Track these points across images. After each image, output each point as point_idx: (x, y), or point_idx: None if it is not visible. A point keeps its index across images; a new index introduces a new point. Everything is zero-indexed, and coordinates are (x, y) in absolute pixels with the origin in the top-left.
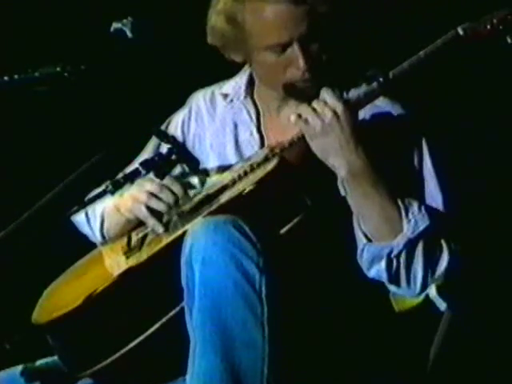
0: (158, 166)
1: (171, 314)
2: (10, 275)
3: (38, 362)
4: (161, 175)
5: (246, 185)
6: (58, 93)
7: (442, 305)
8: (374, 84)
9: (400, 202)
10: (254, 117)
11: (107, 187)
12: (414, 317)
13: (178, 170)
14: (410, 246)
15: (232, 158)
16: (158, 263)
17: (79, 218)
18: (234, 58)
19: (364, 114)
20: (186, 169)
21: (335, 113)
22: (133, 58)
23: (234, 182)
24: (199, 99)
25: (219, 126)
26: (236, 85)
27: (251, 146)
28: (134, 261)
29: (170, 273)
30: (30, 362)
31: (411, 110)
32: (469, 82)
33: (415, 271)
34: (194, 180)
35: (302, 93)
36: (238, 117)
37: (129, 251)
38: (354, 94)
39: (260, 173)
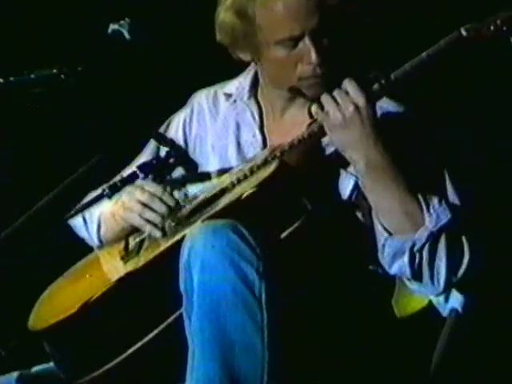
0: (156, 170)
1: (170, 319)
2: (6, 279)
3: (34, 369)
4: (159, 178)
5: (245, 188)
6: (54, 95)
7: (444, 310)
8: (376, 86)
9: (420, 196)
10: (257, 118)
11: (104, 191)
12: (415, 322)
13: (176, 173)
14: (433, 239)
15: (233, 159)
16: (156, 268)
17: (76, 222)
18: (241, 56)
19: None
20: (185, 172)
21: (357, 106)
22: (130, 60)
23: (233, 185)
24: (201, 99)
25: (221, 127)
26: (240, 85)
27: (253, 148)
28: (131, 266)
29: (168, 278)
30: (25, 369)
31: (418, 112)
32: (471, 83)
33: (438, 267)
34: (192, 183)
35: (310, 91)
36: (240, 117)
37: (126, 256)
38: None
39: (259, 176)
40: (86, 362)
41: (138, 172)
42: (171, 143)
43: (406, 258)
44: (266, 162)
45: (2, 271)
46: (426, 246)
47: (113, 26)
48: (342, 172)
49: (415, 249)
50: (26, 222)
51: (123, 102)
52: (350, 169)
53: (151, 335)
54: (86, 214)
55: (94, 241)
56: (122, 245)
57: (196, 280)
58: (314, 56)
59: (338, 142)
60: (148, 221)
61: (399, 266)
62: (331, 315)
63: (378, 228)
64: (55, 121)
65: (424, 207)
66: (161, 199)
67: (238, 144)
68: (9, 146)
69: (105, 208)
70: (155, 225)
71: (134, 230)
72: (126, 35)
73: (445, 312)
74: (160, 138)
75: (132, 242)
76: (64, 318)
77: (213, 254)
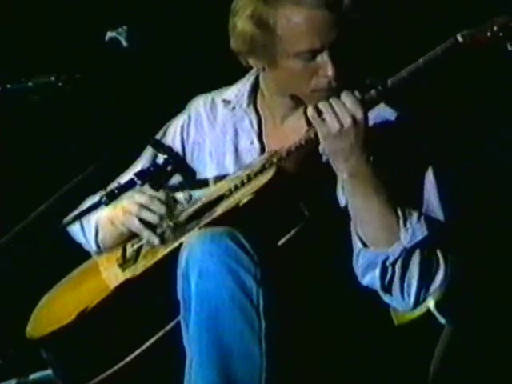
0: (154, 177)
1: (168, 327)
2: (3, 286)
3: (32, 376)
4: (156, 186)
5: (242, 195)
6: (52, 102)
7: (442, 318)
8: (373, 92)
9: (399, 210)
10: (255, 125)
11: (102, 198)
12: (413, 329)
13: (173, 180)
14: (406, 255)
15: (231, 166)
16: (154, 276)
17: (74, 227)
18: (252, 63)
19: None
20: (182, 179)
21: (354, 119)
22: (128, 67)
23: (230, 192)
24: (199, 105)
25: (219, 134)
26: (239, 92)
27: (251, 155)
28: (129, 273)
29: (166, 285)
30: (23, 376)
31: (413, 119)
32: (468, 89)
33: (410, 283)
34: (190, 189)
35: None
36: (239, 124)
37: (124, 263)
38: None
39: (257, 183)
40: (84, 369)
41: (135, 179)
42: (168, 150)
43: (377, 271)
44: (263, 169)
45: None
46: (399, 260)
47: (110, 34)
48: (339, 179)
49: (387, 263)
50: (24, 229)
51: (121, 109)
52: None
53: (149, 343)
54: (84, 219)
55: (91, 246)
56: (119, 251)
57: (194, 288)
58: (331, 70)
59: (329, 150)
60: (146, 224)
61: (370, 278)
62: (330, 322)
63: (354, 238)
64: (53, 128)
65: (401, 222)
66: (160, 200)
67: (236, 151)
68: (7, 152)
69: (102, 213)
70: (153, 230)
71: (133, 236)
72: (124, 42)
73: (442, 319)
74: (157, 144)
75: (130, 248)
76: (62, 326)
77: (211, 261)
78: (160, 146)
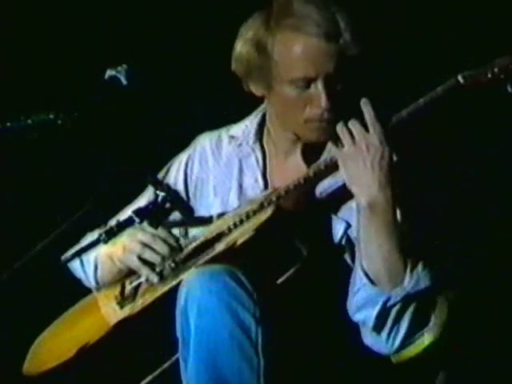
0: (152, 215)
1: (166, 364)
2: (1, 322)
3: None
4: (155, 223)
5: (241, 234)
6: (51, 140)
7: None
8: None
9: (408, 254)
10: (260, 162)
11: (101, 236)
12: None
13: (174, 216)
14: (407, 301)
15: (235, 203)
16: (153, 313)
17: (73, 263)
18: (253, 88)
19: None
20: (182, 215)
21: (381, 147)
22: (127, 106)
23: (229, 230)
24: (205, 141)
25: (224, 170)
26: (246, 128)
27: (255, 193)
28: (128, 311)
29: (164, 323)
30: None
31: (413, 159)
32: (468, 130)
33: (399, 328)
34: (192, 226)
35: (313, 134)
36: (244, 161)
37: (122, 301)
38: None
39: (255, 221)
40: None
41: (133, 217)
42: (167, 187)
43: (375, 310)
44: (262, 207)
45: None
46: (398, 304)
47: (110, 72)
48: (334, 217)
49: (388, 304)
50: (23, 266)
51: (121, 147)
52: (341, 213)
53: (147, 380)
54: (83, 255)
55: (90, 282)
56: (118, 288)
57: (193, 325)
58: (324, 101)
59: (349, 176)
60: (146, 263)
61: (365, 316)
62: (329, 360)
63: (359, 271)
64: (52, 166)
65: (408, 266)
66: (163, 240)
67: (241, 188)
68: (6, 190)
69: (102, 249)
70: (152, 268)
71: (132, 272)
72: (123, 81)
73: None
74: (155, 182)
75: (128, 286)
76: (61, 363)
77: (210, 299)
78: (158, 184)
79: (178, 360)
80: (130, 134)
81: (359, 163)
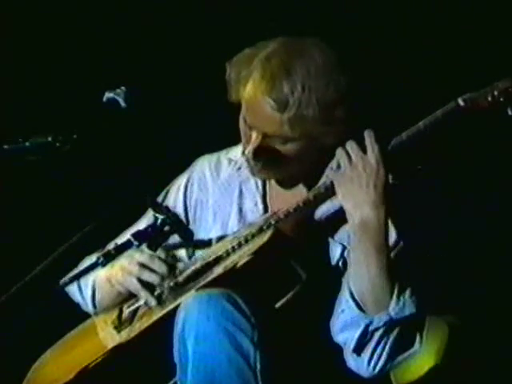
0: (151, 238)
1: None
2: None
3: None
4: (154, 247)
5: (240, 257)
6: (49, 163)
7: None
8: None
9: (396, 279)
10: (260, 186)
11: (99, 259)
12: None
13: (173, 240)
14: (390, 326)
15: (235, 226)
16: (150, 337)
17: (71, 288)
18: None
19: None
20: (181, 239)
21: (376, 168)
22: (126, 128)
23: (228, 254)
24: (204, 164)
25: (224, 193)
26: None
27: (254, 217)
28: (125, 335)
29: (161, 347)
30: None
31: (410, 182)
32: (468, 153)
33: (380, 354)
34: (190, 250)
35: (251, 170)
36: (244, 185)
37: (120, 325)
38: None
39: (254, 245)
40: None
41: (132, 240)
42: (166, 210)
43: (357, 333)
44: (261, 230)
45: None
46: (380, 329)
47: (108, 94)
48: (331, 240)
49: (370, 328)
50: (21, 290)
51: (119, 170)
52: (338, 236)
53: None
54: (81, 279)
55: (88, 306)
56: (116, 312)
57: (190, 350)
58: (247, 149)
59: (344, 194)
60: (145, 285)
61: (346, 338)
62: (328, 382)
63: (345, 291)
64: (50, 189)
65: (395, 291)
66: (161, 259)
67: (240, 211)
68: (5, 213)
69: (100, 273)
70: (151, 291)
71: (130, 296)
72: (122, 103)
73: None
74: (154, 204)
75: (126, 310)
76: None
77: (207, 323)
78: (157, 206)
79: None
80: (128, 157)
81: (354, 182)
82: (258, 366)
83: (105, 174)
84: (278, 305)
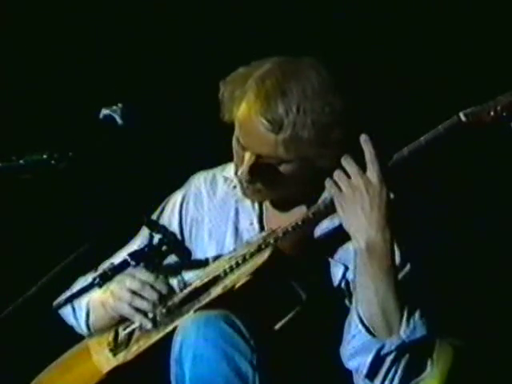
0: (148, 257)
1: None
2: None
3: None
4: (151, 266)
5: (238, 277)
6: (44, 181)
7: None
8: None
9: (405, 302)
10: (256, 206)
11: (95, 280)
12: None
13: (170, 259)
14: (402, 349)
15: (231, 246)
16: (146, 360)
17: (65, 310)
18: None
19: None
20: (178, 258)
21: (378, 189)
22: (122, 145)
23: (225, 274)
24: (200, 182)
25: (220, 212)
26: None
27: (250, 237)
28: (121, 358)
29: (158, 369)
30: None
31: (413, 198)
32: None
33: (392, 377)
34: (187, 269)
35: (242, 192)
36: (240, 204)
37: (115, 348)
38: None
39: (252, 264)
40: None
41: (129, 260)
42: (163, 230)
43: (369, 358)
44: (259, 250)
45: None
46: (393, 353)
47: (105, 111)
48: (331, 260)
49: (382, 352)
50: (14, 311)
51: (115, 188)
52: (338, 256)
53: None
54: (75, 301)
55: (82, 329)
56: (111, 335)
57: (188, 373)
58: (240, 170)
59: (346, 218)
60: (138, 310)
61: (358, 363)
62: None
63: (354, 317)
64: (44, 207)
65: (405, 313)
66: (152, 286)
67: (236, 230)
68: None
69: (93, 296)
70: (145, 315)
71: (125, 319)
72: (119, 120)
73: None
74: (151, 223)
75: (122, 332)
76: None
77: (205, 346)
78: (155, 225)
79: None
80: (125, 174)
81: (357, 205)
82: None
83: (101, 192)
84: (277, 326)
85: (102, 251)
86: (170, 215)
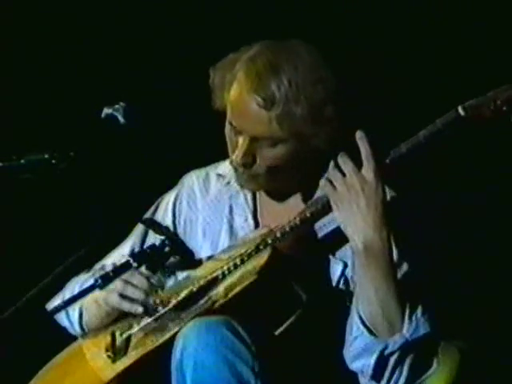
0: (151, 259)
1: None
2: None
3: None
4: (153, 268)
5: (238, 280)
6: (45, 181)
7: None
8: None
9: (406, 300)
10: (250, 200)
11: (97, 281)
12: None
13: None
14: (406, 348)
15: (225, 244)
16: (146, 366)
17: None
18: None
19: None
20: (179, 259)
21: (374, 187)
22: (125, 145)
23: (224, 276)
24: (192, 180)
25: (213, 210)
26: None
27: (245, 233)
28: (121, 366)
29: (159, 376)
30: None
31: (411, 195)
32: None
33: (398, 378)
34: (181, 268)
35: (238, 180)
36: (234, 200)
37: (113, 354)
38: None
39: (252, 267)
40: None
41: (131, 261)
42: (166, 230)
43: (373, 359)
44: (257, 250)
45: None
46: (397, 353)
47: (107, 110)
48: (331, 257)
49: (385, 352)
50: (10, 316)
51: (117, 188)
52: (338, 253)
53: None
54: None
55: (75, 329)
56: (107, 338)
57: (189, 380)
58: (235, 154)
59: (342, 218)
60: (129, 298)
61: (362, 365)
62: None
63: (355, 318)
64: (45, 207)
65: (407, 311)
66: (140, 273)
67: (231, 228)
68: None
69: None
70: (135, 300)
71: (119, 317)
72: (121, 119)
73: None
74: (153, 224)
75: (119, 337)
76: None
77: (206, 352)
78: (157, 226)
79: None
80: (127, 173)
81: (353, 205)
82: None
83: (104, 191)
84: (278, 331)
85: (103, 251)
86: (163, 215)
